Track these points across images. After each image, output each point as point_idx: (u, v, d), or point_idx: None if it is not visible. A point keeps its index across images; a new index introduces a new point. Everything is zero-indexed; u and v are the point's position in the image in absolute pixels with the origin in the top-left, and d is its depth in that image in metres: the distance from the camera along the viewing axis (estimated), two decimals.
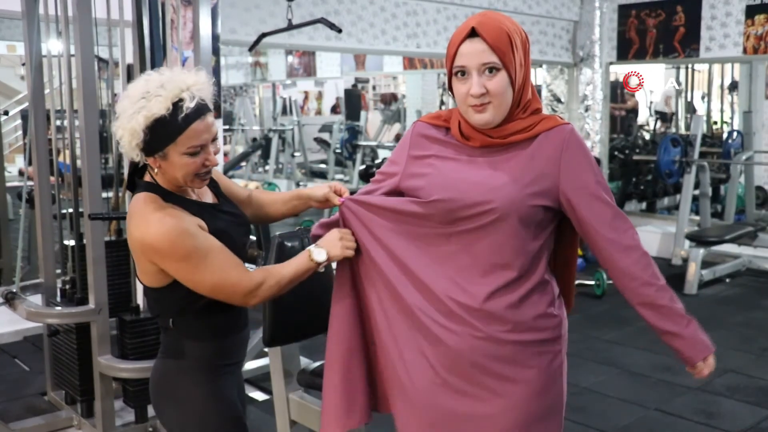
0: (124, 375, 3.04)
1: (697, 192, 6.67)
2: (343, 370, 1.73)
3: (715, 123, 9.82)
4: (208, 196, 1.81)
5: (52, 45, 3.38)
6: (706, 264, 5.95)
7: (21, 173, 8.61)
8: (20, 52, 8.45)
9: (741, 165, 7.01)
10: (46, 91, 3.49)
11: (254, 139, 11.82)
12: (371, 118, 11.59)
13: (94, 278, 3.00)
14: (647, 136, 8.92)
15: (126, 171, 1.82)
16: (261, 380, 3.77)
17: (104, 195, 3.21)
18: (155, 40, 3.18)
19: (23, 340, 4.59)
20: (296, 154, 11.48)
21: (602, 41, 6.91)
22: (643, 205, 7.97)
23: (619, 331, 4.75)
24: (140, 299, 3.10)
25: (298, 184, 10.32)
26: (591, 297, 5.49)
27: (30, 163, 3.63)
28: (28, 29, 3.33)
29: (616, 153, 7.72)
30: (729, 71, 9.65)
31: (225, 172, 5.87)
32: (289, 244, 2.05)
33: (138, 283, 1.91)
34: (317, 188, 1.87)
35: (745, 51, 6.21)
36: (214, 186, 1.85)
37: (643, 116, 10.21)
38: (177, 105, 1.59)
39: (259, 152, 11.27)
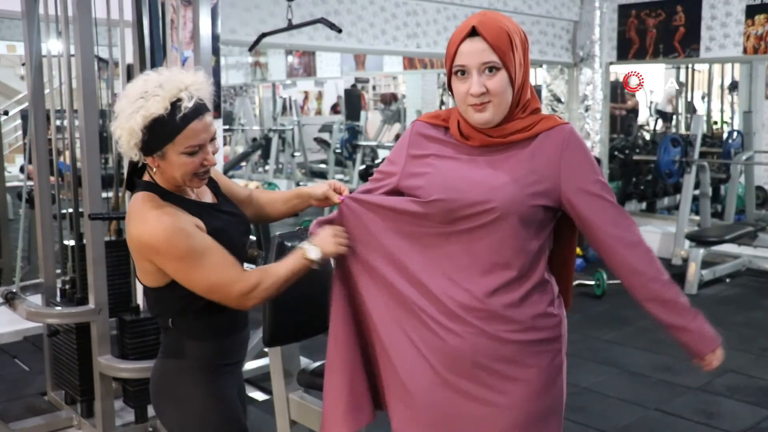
0: (124, 375, 3.04)
1: (697, 192, 6.67)
2: (344, 371, 1.73)
3: (715, 123, 9.82)
4: (207, 196, 1.81)
5: (52, 45, 3.38)
6: (706, 264, 5.95)
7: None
8: (20, 52, 8.45)
9: (741, 165, 7.01)
10: (46, 91, 3.49)
11: (254, 139, 11.83)
12: (371, 118, 11.60)
13: (94, 278, 3.00)
14: (647, 136, 8.92)
15: (126, 171, 1.82)
16: (261, 380, 3.77)
17: (104, 195, 3.21)
18: (155, 40, 3.18)
19: (23, 340, 4.59)
20: (296, 154, 11.48)
21: (602, 41, 6.91)
22: (643, 205, 7.97)
23: (619, 331, 4.75)
24: (140, 299, 3.10)
25: (298, 184, 10.32)
26: (591, 297, 5.49)
27: (30, 162, 3.63)
28: (28, 29, 3.33)
29: (616, 153, 7.72)
30: (729, 71, 9.65)
31: (225, 172, 5.88)
32: (289, 244, 2.05)
33: (138, 283, 1.92)
34: (317, 186, 1.87)
35: (745, 51, 6.21)
36: (213, 186, 1.85)
37: (643, 116, 10.22)
38: (175, 105, 1.59)
39: (259, 152, 11.27)
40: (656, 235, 6.80)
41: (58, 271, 3.48)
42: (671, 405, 3.62)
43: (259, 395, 3.72)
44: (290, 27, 4.55)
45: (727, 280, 5.97)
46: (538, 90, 7.68)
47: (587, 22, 6.88)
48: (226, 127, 11.22)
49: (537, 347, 1.63)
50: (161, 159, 1.65)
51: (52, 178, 3.52)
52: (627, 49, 6.93)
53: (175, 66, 2.68)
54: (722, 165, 7.41)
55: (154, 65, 3.15)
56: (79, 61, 2.90)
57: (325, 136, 11.12)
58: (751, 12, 6.12)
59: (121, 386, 3.27)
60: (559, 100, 7.27)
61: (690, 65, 9.24)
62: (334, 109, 14.22)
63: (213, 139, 1.69)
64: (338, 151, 10.24)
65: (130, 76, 3.26)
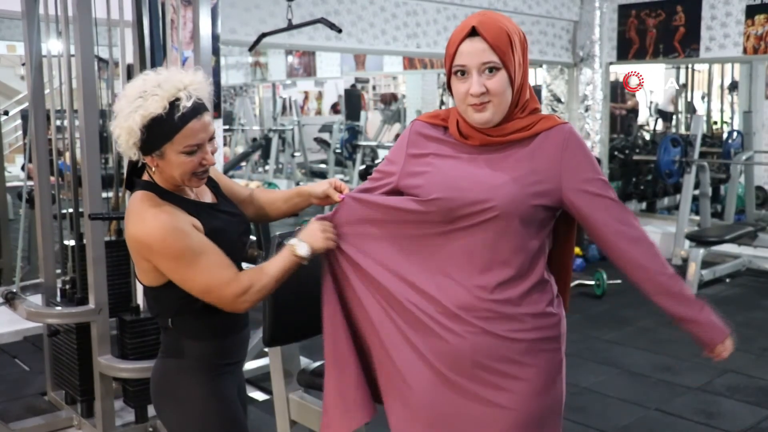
0: (124, 375, 3.04)
1: (697, 192, 6.67)
2: (342, 370, 1.73)
3: (715, 123, 9.83)
4: (207, 196, 1.81)
5: (52, 45, 3.38)
6: (706, 264, 5.95)
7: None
8: (20, 52, 8.45)
9: (741, 165, 7.01)
10: (46, 91, 3.49)
11: (254, 139, 11.83)
12: (371, 118, 11.60)
13: (94, 278, 3.00)
14: (647, 136, 8.93)
15: (125, 170, 1.82)
16: (261, 380, 3.77)
17: (104, 195, 3.21)
18: (155, 40, 3.18)
19: (23, 340, 4.59)
20: (296, 154, 11.49)
21: (602, 41, 6.91)
22: (643, 205, 7.97)
23: (619, 331, 4.75)
24: (140, 299, 3.10)
25: (297, 184, 10.33)
26: (591, 297, 5.49)
27: (30, 161, 3.63)
28: (28, 29, 3.33)
29: (616, 153, 7.72)
30: (729, 71, 9.65)
31: (225, 172, 5.88)
32: None
33: (138, 283, 1.92)
34: (317, 185, 1.86)
35: (745, 51, 6.21)
36: (213, 186, 1.85)
37: (643, 116, 10.22)
38: (174, 104, 1.60)
39: (259, 152, 11.28)
40: (656, 235, 6.80)
41: (58, 271, 3.48)
42: (671, 405, 3.62)
43: (259, 395, 3.72)
44: (290, 27, 4.56)
45: (727, 280, 5.97)
46: (538, 90, 7.68)
47: (587, 22, 6.88)
48: (226, 127, 11.22)
49: (537, 346, 1.64)
50: (160, 158, 1.65)
51: (52, 178, 3.52)
52: (627, 49, 6.93)
53: (175, 66, 2.68)
54: (722, 165, 7.41)
55: (154, 65, 3.15)
56: (79, 61, 2.90)
57: (325, 136, 11.12)
58: (751, 12, 6.12)
59: (121, 386, 3.27)
60: (559, 100, 7.27)
61: (690, 65, 9.24)
62: (334, 108, 14.23)
63: (212, 138, 1.69)
64: (338, 151, 10.24)
65: (130, 76, 3.26)
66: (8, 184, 5.80)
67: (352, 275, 1.72)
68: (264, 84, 13.06)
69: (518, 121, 1.62)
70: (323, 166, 11.37)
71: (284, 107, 12.15)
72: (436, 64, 9.72)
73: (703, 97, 10.23)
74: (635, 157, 7.56)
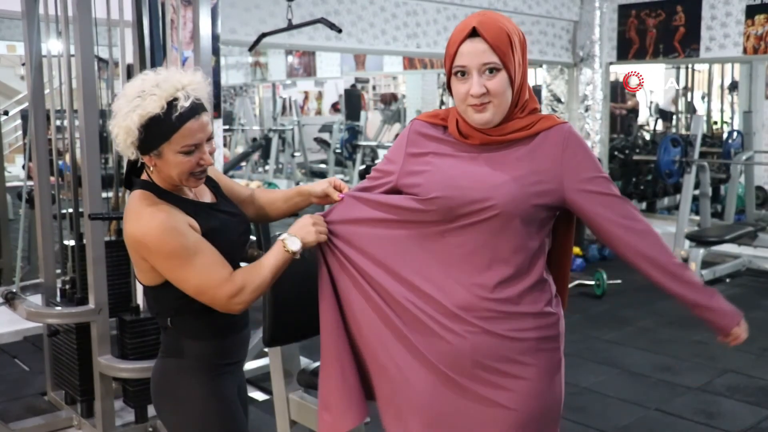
0: (124, 375, 3.04)
1: (697, 192, 6.67)
2: (339, 369, 1.73)
3: (715, 123, 9.83)
4: (206, 196, 1.81)
5: (52, 45, 3.38)
6: (706, 264, 5.95)
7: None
8: (20, 52, 8.46)
9: (741, 165, 7.01)
10: (46, 91, 3.49)
11: (254, 139, 11.84)
12: (371, 118, 11.61)
13: (94, 278, 3.00)
14: (647, 136, 8.93)
15: (125, 170, 1.82)
16: (261, 380, 3.77)
17: (104, 195, 3.21)
18: (155, 40, 3.18)
19: (23, 340, 4.59)
20: (296, 154, 11.50)
21: (602, 41, 6.91)
22: (643, 205, 7.98)
23: (619, 331, 4.75)
24: (140, 299, 3.10)
25: (297, 184, 10.34)
26: (591, 297, 5.49)
27: (30, 159, 3.63)
28: (28, 29, 3.33)
29: (616, 153, 7.72)
30: (729, 71, 9.66)
31: (225, 172, 5.87)
32: None
33: (138, 283, 1.92)
34: (317, 184, 1.86)
35: (745, 51, 6.21)
36: (213, 186, 1.85)
37: (643, 116, 10.22)
38: (171, 104, 1.60)
39: (259, 152, 11.28)
40: None
41: (58, 271, 3.48)
42: (671, 405, 3.62)
43: (259, 395, 3.72)
44: (290, 27, 4.56)
45: (727, 280, 5.97)
46: (538, 90, 7.69)
47: (587, 22, 6.88)
48: (226, 127, 11.23)
49: (536, 346, 1.64)
50: (158, 158, 1.65)
51: (52, 178, 3.52)
52: (627, 49, 6.93)
53: (175, 66, 2.68)
54: (722, 165, 7.41)
55: (154, 65, 3.15)
56: (79, 61, 2.90)
57: (325, 136, 11.13)
58: (751, 12, 6.12)
59: (121, 386, 3.27)
60: (559, 100, 7.27)
61: (690, 65, 9.24)
62: (335, 107, 14.24)
63: (210, 139, 1.69)
64: (338, 151, 10.25)
65: (130, 76, 3.26)
66: (8, 184, 5.81)
67: (350, 274, 1.72)
68: (264, 84, 13.07)
69: (518, 121, 1.63)
70: (323, 166, 11.38)
71: (284, 107, 12.15)
72: (436, 64, 9.72)
73: (703, 97, 10.24)
74: (635, 157, 7.57)
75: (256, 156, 11.43)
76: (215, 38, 4.36)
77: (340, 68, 10.97)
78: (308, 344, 2.28)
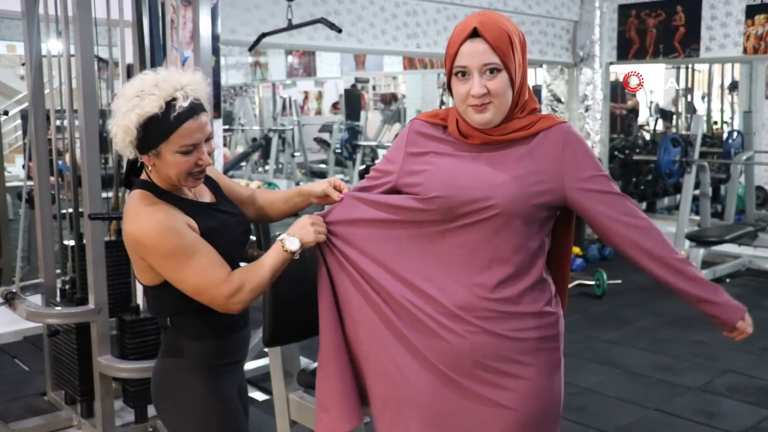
0: (124, 375, 3.04)
1: (697, 192, 6.67)
2: (336, 372, 1.73)
3: (715, 123, 9.83)
4: (205, 196, 1.81)
5: (52, 45, 3.38)
6: (706, 264, 5.95)
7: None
8: (20, 52, 8.45)
9: (741, 165, 7.01)
10: (46, 91, 3.49)
11: (254, 139, 11.84)
12: (371, 118, 11.61)
13: (94, 278, 3.00)
14: (647, 136, 8.93)
15: (124, 170, 1.83)
16: (261, 380, 3.77)
17: (104, 195, 3.21)
18: (155, 40, 3.18)
19: (23, 340, 4.59)
20: (296, 154, 11.50)
21: (602, 41, 6.91)
22: (643, 205, 7.98)
23: (619, 331, 4.75)
24: (140, 299, 3.10)
25: (297, 184, 10.34)
26: (591, 297, 5.49)
27: (30, 159, 3.63)
28: (28, 29, 3.33)
29: (616, 153, 7.72)
30: (729, 71, 9.66)
31: (225, 172, 5.87)
32: None
33: (138, 283, 1.92)
34: (317, 184, 1.86)
35: (745, 51, 6.21)
36: (213, 186, 1.85)
37: (643, 116, 10.22)
38: (170, 104, 1.60)
39: (259, 152, 11.28)
40: None
41: (58, 271, 3.48)
42: (671, 405, 3.62)
43: (259, 395, 3.72)
44: (290, 27, 4.55)
45: (727, 280, 5.97)
46: (537, 90, 7.69)
47: (587, 22, 6.88)
48: (226, 127, 11.23)
49: (536, 345, 1.64)
50: (156, 157, 1.65)
51: (52, 178, 3.52)
52: (627, 49, 6.93)
53: (175, 66, 2.68)
54: (722, 165, 7.41)
55: (154, 65, 3.15)
56: (79, 61, 2.90)
57: (325, 136, 11.13)
58: (751, 12, 6.12)
59: (121, 386, 3.27)
60: (559, 100, 7.27)
61: (690, 65, 9.24)
62: (335, 106, 14.24)
63: (209, 139, 1.69)
64: (338, 151, 10.25)
65: (130, 76, 3.26)
66: (8, 184, 5.81)
67: (350, 274, 1.72)
68: (264, 84, 13.07)
69: (518, 121, 1.63)
70: (323, 166, 11.39)
71: (284, 107, 12.15)
72: (436, 64, 9.72)
73: (703, 97, 10.24)
74: (635, 157, 7.57)
75: (256, 156, 11.43)
76: (215, 38, 4.36)
77: (340, 68, 10.97)
78: (308, 344, 2.28)
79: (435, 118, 1.72)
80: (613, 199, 1.63)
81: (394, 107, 11.42)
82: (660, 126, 9.76)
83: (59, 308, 3.24)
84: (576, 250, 6.21)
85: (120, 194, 3.37)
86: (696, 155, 6.27)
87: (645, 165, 7.62)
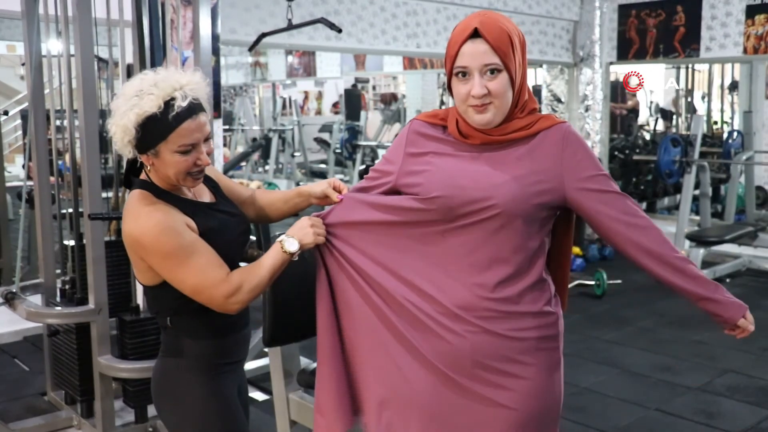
0: (124, 375, 3.04)
1: (697, 192, 6.67)
2: (332, 375, 1.74)
3: (716, 123, 9.83)
4: (205, 196, 1.81)
5: (52, 45, 3.38)
6: (706, 264, 5.95)
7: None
8: (20, 52, 8.45)
9: (741, 165, 7.01)
10: (46, 91, 3.49)
11: (254, 139, 11.84)
12: (371, 118, 11.61)
13: (94, 278, 3.00)
14: (647, 136, 8.93)
15: (124, 169, 1.83)
16: (261, 380, 3.77)
17: (104, 195, 3.21)
18: (155, 40, 3.18)
19: (23, 340, 4.59)
20: (296, 154, 11.50)
21: (602, 41, 6.91)
22: (644, 205, 7.97)
23: (619, 331, 4.75)
24: (140, 299, 3.10)
25: (297, 184, 10.34)
26: (591, 297, 5.49)
27: (30, 159, 3.63)
28: (28, 29, 3.33)
29: (616, 153, 7.72)
30: (729, 71, 9.66)
31: (225, 172, 5.87)
32: None
33: (138, 283, 1.92)
34: (316, 185, 1.86)
35: (745, 51, 6.21)
36: (213, 186, 1.85)
37: (643, 116, 10.22)
38: (169, 103, 1.61)
39: (259, 152, 11.28)
40: None
41: (58, 271, 3.48)
42: (671, 405, 3.62)
43: (259, 395, 3.72)
44: (290, 27, 4.55)
45: (728, 280, 5.97)
46: (537, 90, 7.69)
47: (587, 22, 6.88)
48: (226, 127, 11.22)
49: (536, 345, 1.64)
50: (155, 157, 1.66)
51: (52, 178, 3.52)
52: (627, 49, 6.93)
53: (175, 66, 2.68)
54: (722, 165, 7.41)
55: (154, 65, 3.15)
56: (79, 61, 2.90)
57: (325, 136, 11.13)
58: (751, 12, 6.12)
59: (121, 386, 3.27)
60: (559, 100, 7.27)
61: (690, 65, 9.23)
62: (335, 106, 14.25)
63: (207, 139, 1.69)
64: (338, 151, 10.25)
65: (130, 76, 3.25)
66: (8, 184, 5.81)
67: (349, 275, 1.72)
68: (264, 84, 13.07)
69: (518, 121, 1.63)
70: (323, 166, 11.39)
71: (284, 106, 12.15)
72: (436, 64, 9.72)
73: (703, 97, 10.24)
74: (635, 157, 7.57)
75: (256, 156, 11.43)
76: (215, 38, 4.36)
77: (340, 68, 10.97)
78: (308, 344, 2.28)
79: (434, 119, 1.72)
80: (613, 199, 1.64)
81: (394, 107, 11.42)
82: (660, 126, 9.76)
83: (59, 308, 3.24)
84: (576, 250, 6.21)
85: (120, 194, 3.37)
86: (696, 155, 6.28)
87: (645, 165, 7.62)
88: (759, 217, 7.18)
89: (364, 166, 9.39)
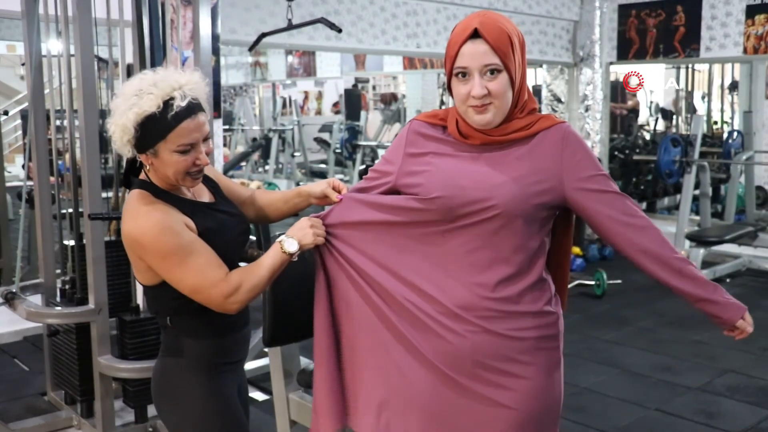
0: (124, 375, 3.04)
1: (697, 192, 6.67)
2: (327, 377, 1.74)
3: (715, 123, 9.83)
4: (204, 195, 1.81)
5: (52, 45, 3.38)
6: (706, 264, 5.95)
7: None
8: (20, 52, 8.45)
9: (741, 165, 7.01)
10: (46, 91, 3.49)
11: (254, 139, 11.84)
12: (371, 118, 11.61)
13: (94, 278, 3.00)
14: (647, 136, 8.93)
15: (124, 169, 1.83)
16: (261, 380, 3.77)
17: (104, 195, 3.21)
18: (155, 40, 3.18)
19: (23, 340, 4.59)
20: (296, 154, 11.50)
21: (602, 41, 6.91)
22: (644, 205, 7.98)
23: (619, 331, 4.75)
24: (140, 299, 3.10)
25: (297, 184, 10.34)
26: (591, 297, 5.49)
27: (30, 159, 3.63)
28: (28, 29, 3.33)
29: (616, 153, 7.73)
30: (729, 71, 9.66)
31: (225, 172, 5.88)
32: None
33: (138, 283, 1.92)
34: (316, 185, 1.86)
35: (745, 51, 6.21)
36: (213, 186, 1.85)
37: (644, 116, 10.22)
38: (168, 103, 1.61)
39: (259, 152, 11.28)
40: None
41: (58, 271, 3.48)
42: (671, 405, 3.62)
43: (259, 395, 3.72)
44: (290, 27, 4.55)
45: (728, 280, 5.97)
46: (537, 90, 7.69)
47: (587, 22, 6.88)
48: (226, 127, 11.23)
49: (536, 345, 1.64)
50: (154, 156, 1.66)
51: (52, 178, 3.52)
52: (627, 49, 6.93)
53: (174, 66, 2.68)
54: (722, 165, 7.41)
55: (154, 65, 3.15)
56: (79, 61, 2.90)
57: (325, 136, 11.13)
58: (751, 12, 6.12)
59: (121, 386, 3.27)
60: (559, 100, 7.27)
61: (690, 65, 9.23)
62: (335, 106, 14.24)
63: (207, 139, 1.69)
64: (338, 151, 10.25)
65: (130, 76, 3.25)
66: (8, 184, 5.81)
67: (349, 275, 1.72)
68: (264, 84, 13.07)
69: (518, 121, 1.63)
70: (323, 166, 11.39)
71: (284, 105, 12.15)
72: (436, 64, 9.72)
73: (703, 97, 10.24)
74: (635, 157, 7.57)
75: (256, 156, 11.43)
76: (215, 38, 4.36)
77: (340, 68, 10.97)
78: (308, 344, 2.27)
79: (434, 119, 1.72)
80: (612, 199, 1.64)
81: (394, 107, 11.42)
82: (660, 126, 9.76)
83: (59, 308, 3.24)
84: (576, 250, 6.21)
85: (120, 194, 3.37)
86: (696, 155, 6.27)
87: (645, 165, 7.62)
88: (759, 217, 7.18)
89: (364, 166, 9.39)
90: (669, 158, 6.36)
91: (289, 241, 1.68)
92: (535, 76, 9.47)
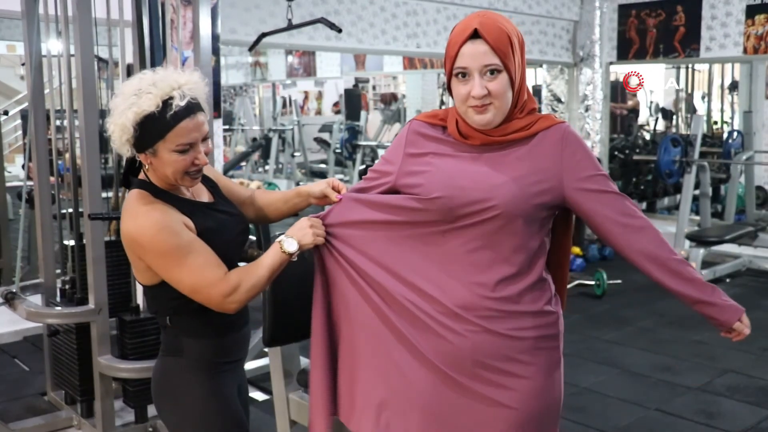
0: (124, 375, 3.04)
1: (697, 192, 6.67)
2: (322, 378, 1.75)
3: (715, 123, 9.84)
4: (204, 195, 1.81)
5: (52, 45, 3.38)
6: (706, 264, 5.95)
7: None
8: (20, 52, 8.45)
9: (741, 165, 7.01)
10: (46, 91, 3.49)
11: (254, 139, 11.84)
12: (371, 118, 11.61)
13: (94, 278, 3.00)
14: (647, 136, 8.93)
15: (123, 169, 1.83)
16: (261, 380, 3.77)
17: (104, 195, 3.21)
18: (155, 40, 3.18)
19: (23, 340, 4.59)
20: (296, 154, 11.50)
21: (602, 41, 6.91)
22: (643, 205, 7.98)
23: (619, 331, 4.75)
24: (140, 299, 3.10)
25: (297, 184, 10.34)
26: (591, 297, 5.49)
27: (30, 159, 3.63)
28: (28, 29, 3.33)
29: (616, 153, 7.73)
30: (729, 71, 9.66)
31: (225, 172, 5.88)
32: None
33: (138, 283, 1.92)
34: (316, 185, 1.86)
35: (745, 51, 6.21)
36: (212, 185, 1.85)
37: (644, 116, 10.22)
38: (167, 103, 1.61)
39: (259, 152, 11.28)
40: None
41: (58, 271, 3.48)
42: (671, 405, 3.62)
43: (259, 395, 3.72)
44: (290, 27, 4.56)
45: (727, 280, 5.98)
46: (537, 90, 7.69)
47: (587, 22, 6.88)
48: (226, 127, 11.23)
49: (536, 344, 1.64)
50: (153, 156, 1.66)
51: (52, 178, 3.52)
52: (627, 49, 6.93)
53: (174, 66, 2.68)
54: (722, 165, 7.42)
55: (154, 65, 3.15)
56: (79, 61, 2.90)
57: (325, 136, 11.14)
58: (751, 12, 6.12)
59: (121, 386, 3.27)
60: (559, 100, 7.27)
61: (690, 65, 9.23)
62: (335, 106, 14.25)
63: (206, 138, 1.69)
64: (338, 151, 10.25)
65: (130, 75, 3.25)
66: (8, 184, 5.81)
67: (349, 275, 1.72)
68: (264, 84, 13.07)
69: (518, 121, 1.63)
70: (323, 166, 11.39)
71: (284, 105, 12.15)
72: (436, 64, 9.72)
73: (703, 97, 10.24)
74: (635, 157, 7.57)
75: (256, 156, 11.44)
76: (215, 38, 4.36)
77: (340, 68, 10.98)
78: (308, 344, 2.27)
79: (434, 119, 1.72)
80: (611, 199, 1.64)
81: (394, 107, 11.42)
82: (660, 126, 9.76)
83: (59, 308, 3.24)
84: (576, 250, 6.21)
85: (120, 194, 3.37)
86: (696, 155, 6.27)
87: (645, 165, 7.62)
88: (759, 217, 7.18)
89: (364, 166, 9.39)
90: (669, 158, 6.36)
91: (289, 241, 1.68)
92: (535, 76, 9.47)
